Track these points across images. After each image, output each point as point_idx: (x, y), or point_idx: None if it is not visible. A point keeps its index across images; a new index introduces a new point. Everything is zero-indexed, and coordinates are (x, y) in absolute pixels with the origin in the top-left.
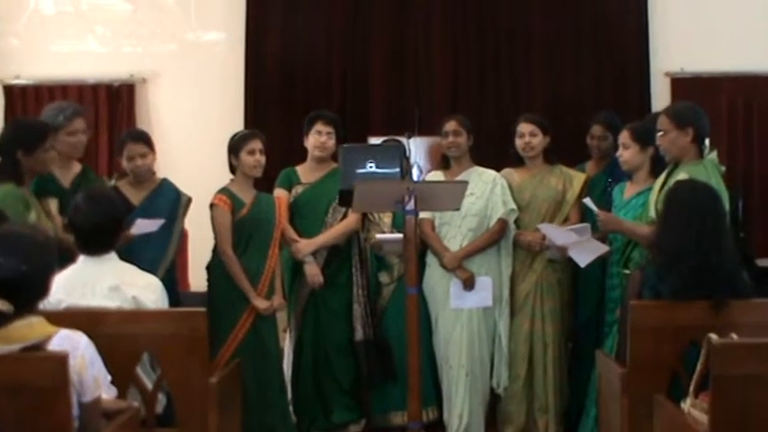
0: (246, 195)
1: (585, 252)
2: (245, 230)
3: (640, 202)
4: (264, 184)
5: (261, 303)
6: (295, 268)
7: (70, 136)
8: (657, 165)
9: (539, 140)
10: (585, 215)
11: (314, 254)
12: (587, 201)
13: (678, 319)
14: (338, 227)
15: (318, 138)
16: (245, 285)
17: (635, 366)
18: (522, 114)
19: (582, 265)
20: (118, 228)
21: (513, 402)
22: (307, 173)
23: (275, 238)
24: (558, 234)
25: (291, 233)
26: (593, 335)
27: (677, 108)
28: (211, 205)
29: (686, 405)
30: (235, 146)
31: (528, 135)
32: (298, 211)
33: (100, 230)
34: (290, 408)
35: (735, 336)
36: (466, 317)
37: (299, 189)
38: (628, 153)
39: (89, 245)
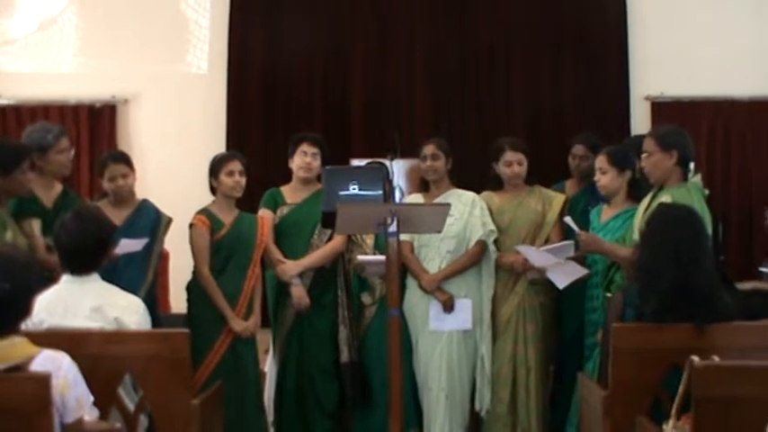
0: (226, 216)
1: (564, 274)
2: (223, 251)
3: (618, 225)
4: (246, 204)
5: (237, 325)
6: (279, 289)
7: (59, 154)
8: (634, 188)
9: (525, 167)
10: (567, 236)
11: (300, 275)
12: (568, 219)
13: (660, 341)
14: (325, 248)
15: (304, 158)
16: (222, 306)
17: (617, 389)
18: (504, 139)
19: (560, 286)
20: (103, 248)
21: (497, 426)
22: (292, 193)
23: (255, 258)
24: (536, 256)
25: (277, 254)
26: (576, 358)
27: (662, 131)
28: (190, 225)
29: (668, 427)
30: (214, 167)
31: (516, 164)
32: (283, 231)
33: (85, 250)
34: (272, 430)
35: (716, 358)
36: (446, 339)
37: (284, 210)
38: (606, 178)
39: (73, 264)
